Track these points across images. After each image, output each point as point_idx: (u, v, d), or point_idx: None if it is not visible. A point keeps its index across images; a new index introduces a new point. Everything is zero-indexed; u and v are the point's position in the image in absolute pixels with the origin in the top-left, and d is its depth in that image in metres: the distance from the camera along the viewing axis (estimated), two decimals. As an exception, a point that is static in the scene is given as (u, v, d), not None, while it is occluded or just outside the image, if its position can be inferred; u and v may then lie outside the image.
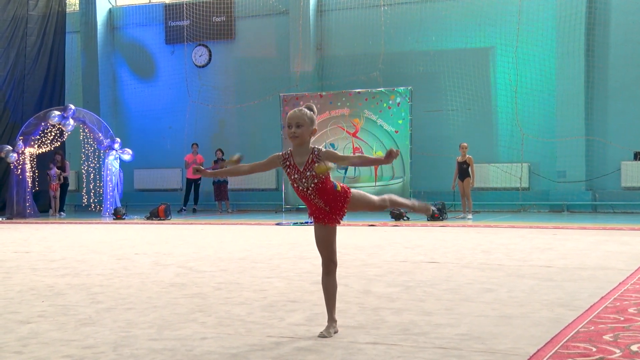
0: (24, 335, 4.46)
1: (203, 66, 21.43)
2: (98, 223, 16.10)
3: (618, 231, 11.66)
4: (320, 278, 4.49)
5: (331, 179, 4.37)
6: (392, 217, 14.88)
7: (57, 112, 18.41)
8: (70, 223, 16.22)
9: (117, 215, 17.26)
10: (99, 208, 19.36)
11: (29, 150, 18.57)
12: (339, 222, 4.40)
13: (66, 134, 19.20)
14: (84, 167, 19.97)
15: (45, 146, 18.90)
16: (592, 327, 4.33)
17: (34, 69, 20.84)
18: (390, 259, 8.11)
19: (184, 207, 19.56)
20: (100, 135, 18.98)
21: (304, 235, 11.46)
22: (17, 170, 18.31)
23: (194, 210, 19.62)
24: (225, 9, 20.95)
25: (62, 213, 19.27)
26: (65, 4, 21.97)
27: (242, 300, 5.54)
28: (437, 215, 14.65)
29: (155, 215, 16.60)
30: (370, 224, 13.81)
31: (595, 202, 17.39)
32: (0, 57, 20.12)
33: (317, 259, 7.52)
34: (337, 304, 4.45)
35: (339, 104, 18.31)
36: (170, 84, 21.73)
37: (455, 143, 16.64)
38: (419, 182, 17.89)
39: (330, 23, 19.98)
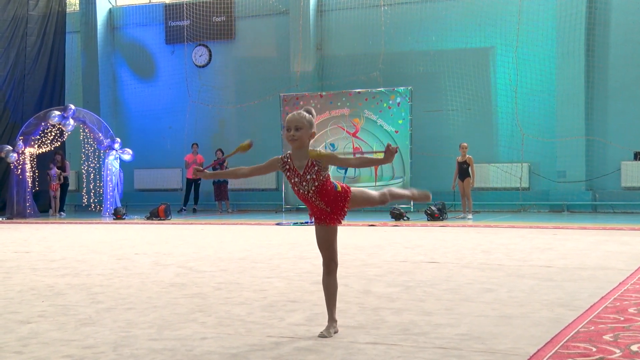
0: (24, 335, 4.46)
1: (203, 66, 21.44)
2: (98, 223, 16.10)
3: (618, 231, 11.66)
4: (320, 278, 4.49)
5: (331, 180, 4.36)
6: (392, 217, 14.88)
7: (57, 112, 18.41)
8: (71, 223, 16.22)
9: (117, 215, 17.27)
10: (99, 208, 19.36)
11: (29, 150, 18.58)
12: (340, 222, 4.40)
13: (66, 134, 19.20)
14: (84, 167, 19.97)
15: (45, 146, 18.90)
16: (592, 327, 4.33)
17: (34, 69, 20.84)
18: (390, 259, 8.11)
19: (184, 207, 19.56)
20: (100, 135, 18.98)
21: (304, 235, 11.46)
22: (17, 170, 18.31)
23: (194, 210, 19.62)
24: (226, 9, 20.95)
25: (62, 213, 19.27)
26: (66, 4, 21.97)
27: (242, 300, 5.54)
28: (437, 215, 14.66)
29: (155, 215, 16.60)
30: (370, 224, 13.81)
31: (596, 202, 17.39)
32: (0, 57, 20.12)
33: (317, 259, 7.53)
34: (337, 304, 4.45)
35: (339, 104, 18.31)
36: (170, 84, 21.73)
37: (455, 143, 16.64)
38: (419, 182, 17.85)
39: (331, 23, 19.98)
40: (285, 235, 11.82)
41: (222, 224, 15.00)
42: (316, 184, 4.27)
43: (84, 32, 22.18)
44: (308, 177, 4.27)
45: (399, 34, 19.08)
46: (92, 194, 19.70)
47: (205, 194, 20.20)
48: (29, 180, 18.58)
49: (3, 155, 18.31)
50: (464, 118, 18.45)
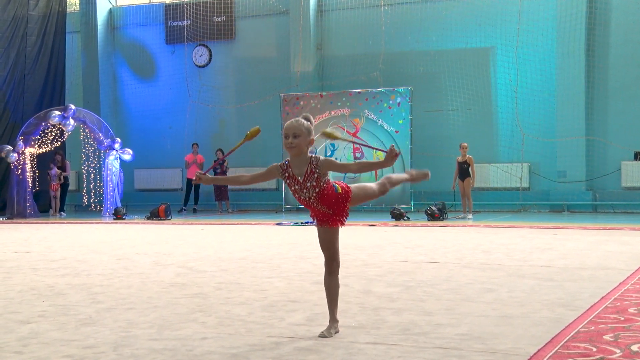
0: (25, 335, 4.46)
1: (203, 66, 21.44)
2: (98, 223, 16.10)
3: (618, 231, 11.66)
4: (321, 278, 4.50)
5: (332, 183, 4.35)
6: (392, 217, 14.88)
7: (57, 112, 18.41)
8: (71, 223, 16.22)
9: (118, 215, 17.26)
10: (99, 208, 19.36)
11: (29, 150, 18.58)
12: (343, 224, 4.40)
13: (66, 134, 19.21)
14: (85, 167, 19.97)
15: (45, 146, 18.90)
16: (593, 327, 4.33)
17: (34, 69, 20.84)
18: (391, 259, 8.11)
19: (184, 207, 19.56)
20: (100, 135, 18.98)
21: (305, 235, 11.46)
22: (18, 170, 18.32)
23: (194, 210, 19.62)
24: (226, 9, 20.95)
25: (62, 213, 19.27)
26: (66, 4, 21.97)
27: (243, 300, 5.54)
28: (438, 215, 14.66)
29: (155, 215, 16.60)
30: (370, 224, 13.81)
31: (596, 202, 17.39)
32: (1, 57, 20.12)
33: (317, 259, 7.53)
34: (338, 304, 4.45)
35: (339, 104, 18.31)
36: (170, 84, 21.73)
37: (455, 143, 16.64)
38: (419, 182, 17.85)
39: (331, 23, 19.98)
40: (285, 235, 11.82)
41: (222, 224, 15.00)
42: (317, 190, 4.26)
43: (84, 32, 22.18)
44: (308, 184, 4.25)
45: (399, 34, 19.08)
46: (92, 194, 19.70)
47: (205, 194, 20.20)
48: (29, 180, 18.58)
49: (3, 155, 18.31)
50: (464, 118, 18.45)
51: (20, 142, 18.36)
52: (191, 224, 15.20)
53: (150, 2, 22.24)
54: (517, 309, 5.00)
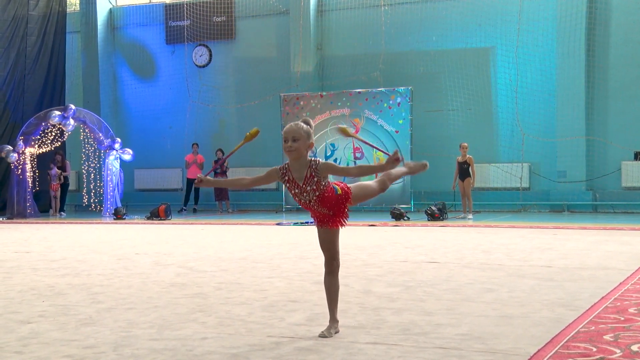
0: (25, 335, 4.46)
1: (203, 66, 21.44)
2: (98, 223, 16.10)
3: (618, 231, 11.66)
4: (321, 278, 4.50)
5: (331, 185, 4.35)
6: (392, 217, 14.88)
7: (57, 112, 18.41)
8: (71, 223, 16.22)
9: (118, 215, 17.27)
10: (100, 208, 19.36)
11: (29, 150, 18.58)
12: (344, 225, 4.40)
13: (66, 134, 19.21)
14: (85, 167, 19.97)
15: (45, 146, 18.90)
16: (593, 327, 4.33)
17: (35, 69, 20.84)
18: (391, 259, 8.11)
19: (184, 207, 19.57)
20: (100, 135, 18.98)
21: (305, 235, 11.46)
22: (18, 170, 18.32)
23: (195, 210, 19.62)
24: (226, 9, 20.96)
25: (62, 213, 19.27)
26: (66, 4, 21.97)
27: (243, 300, 5.54)
28: (438, 215, 14.66)
29: (155, 215, 16.60)
30: (370, 224, 13.81)
31: (596, 202, 17.39)
32: (1, 57, 20.13)
33: (317, 259, 7.53)
34: (338, 304, 4.45)
35: (339, 104, 18.31)
36: (170, 84, 21.74)
37: (455, 143, 16.64)
38: (419, 182, 17.88)
39: (331, 23, 19.98)
40: (285, 235, 11.82)
41: (222, 224, 15.00)
42: (317, 193, 4.25)
43: (85, 32, 22.19)
44: (308, 188, 4.25)
45: (399, 34, 19.08)
46: (92, 194, 19.70)
47: (205, 194, 20.20)
48: (30, 180, 18.58)
49: (3, 155, 18.31)
50: (464, 118, 18.45)
51: (21, 142, 18.37)
52: (191, 224, 15.20)
53: (150, 2, 22.25)
54: (517, 309, 5.00)
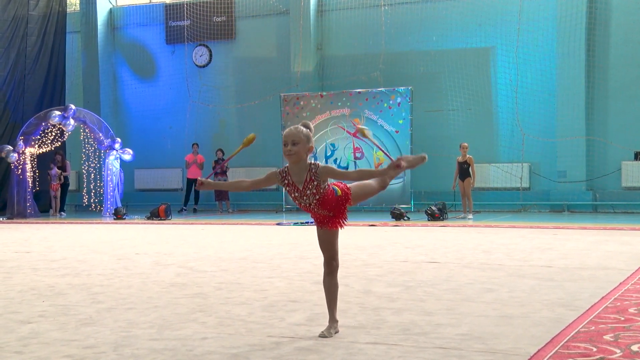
0: (25, 335, 4.46)
1: (203, 66, 21.44)
2: (98, 223, 16.10)
3: (618, 231, 11.66)
4: (321, 278, 4.50)
5: (331, 187, 4.34)
6: (392, 217, 14.88)
7: (57, 112, 18.41)
8: (71, 223, 16.22)
9: (118, 215, 17.27)
10: (100, 208, 19.36)
11: (29, 150, 18.58)
12: (342, 226, 4.40)
13: (67, 134, 19.21)
14: (85, 167, 19.97)
15: (45, 146, 18.90)
16: (593, 327, 4.33)
17: (35, 69, 20.84)
18: (391, 259, 8.11)
19: (184, 207, 19.57)
20: (100, 135, 18.98)
21: (305, 235, 11.46)
22: (18, 170, 18.32)
23: (195, 210, 19.62)
24: (226, 9, 20.96)
25: (62, 213, 19.27)
26: (66, 4, 21.97)
27: (243, 300, 5.54)
28: (438, 215, 14.66)
29: (155, 215, 16.61)
30: (370, 224, 13.81)
31: (596, 202, 17.39)
32: (1, 57, 20.13)
33: (317, 259, 7.53)
34: (338, 304, 4.45)
35: (339, 104, 18.31)
36: (170, 84, 21.74)
37: (455, 143, 16.64)
38: (419, 182, 17.89)
39: (331, 23, 19.98)
40: (285, 235, 11.82)
41: (222, 224, 15.00)
42: (317, 197, 4.25)
43: (85, 32, 22.19)
44: (308, 192, 4.24)
45: (399, 34, 19.08)
46: (92, 194, 19.70)
47: (205, 194, 20.20)
48: (30, 180, 18.58)
49: (3, 155, 18.31)
50: (464, 118, 18.45)
51: (21, 142, 18.37)
52: (191, 224, 15.20)
53: (150, 2, 22.25)
54: (518, 309, 5.00)
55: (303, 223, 13.88)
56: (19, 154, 18.26)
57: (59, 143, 19.31)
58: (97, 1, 22.03)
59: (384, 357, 3.80)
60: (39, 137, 18.69)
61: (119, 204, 18.64)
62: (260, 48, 20.79)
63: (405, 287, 6.04)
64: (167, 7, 21.79)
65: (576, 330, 4.27)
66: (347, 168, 18.04)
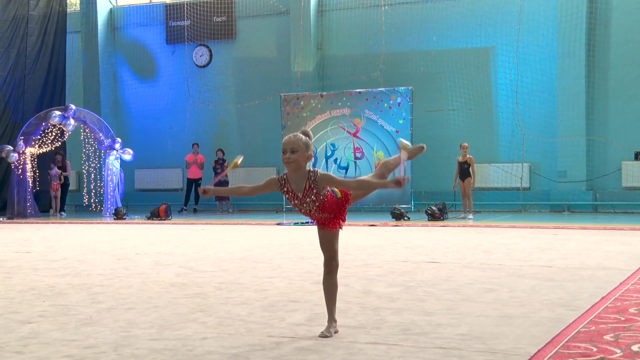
0: (25, 335, 4.46)
1: (204, 66, 21.44)
2: (99, 223, 16.10)
3: (619, 231, 11.66)
4: (321, 278, 4.50)
5: (330, 189, 4.33)
6: (392, 217, 14.88)
7: (57, 112, 18.41)
8: (71, 223, 16.22)
9: (118, 215, 17.27)
10: (100, 208, 19.36)
11: (29, 150, 18.58)
12: (342, 227, 4.40)
13: (67, 134, 19.21)
14: (85, 167, 19.97)
15: (46, 146, 18.90)
16: (593, 327, 4.33)
17: (35, 69, 20.84)
18: (391, 259, 8.11)
19: (184, 207, 19.57)
20: (101, 135, 18.98)
21: (305, 235, 11.46)
22: (18, 170, 18.32)
23: (195, 210, 19.63)
24: (226, 9, 20.96)
25: (62, 213, 19.27)
26: (66, 4, 21.97)
27: (243, 300, 5.54)
28: (438, 215, 14.66)
29: (156, 215, 16.61)
30: (371, 224, 13.81)
31: (596, 202, 17.39)
32: (1, 57, 20.12)
33: (317, 259, 7.53)
34: (338, 304, 4.45)
35: (339, 103, 18.30)
36: (171, 84, 21.74)
37: (456, 143, 16.64)
38: (419, 182, 17.89)
39: (331, 23, 19.98)
40: (286, 235, 11.82)
41: (222, 224, 15.00)
42: (317, 204, 4.25)
43: (85, 32, 22.19)
44: (308, 199, 4.23)
45: (399, 33, 19.08)
46: (92, 194, 19.70)
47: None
48: (30, 180, 18.58)
49: (4, 155, 18.31)
50: (464, 118, 18.45)
51: (21, 142, 18.37)
52: (191, 224, 15.20)
53: (150, 2, 22.25)
54: (518, 309, 5.00)
55: (303, 223, 13.87)
56: (19, 154, 18.26)
57: (59, 143, 19.31)
58: (98, 1, 22.03)
59: (384, 357, 3.80)
60: (39, 137, 18.69)
61: (119, 204, 18.64)
62: (261, 48, 20.80)
63: (405, 287, 6.04)
64: (167, 7, 21.79)
65: (576, 330, 4.27)
66: (347, 168, 18.04)
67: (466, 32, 18.41)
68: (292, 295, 5.73)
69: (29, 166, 18.55)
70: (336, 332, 4.33)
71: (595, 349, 3.79)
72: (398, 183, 3.98)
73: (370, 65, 19.12)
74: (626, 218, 14.98)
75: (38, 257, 8.95)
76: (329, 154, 18.23)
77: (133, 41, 22.33)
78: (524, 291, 5.74)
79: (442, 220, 14.59)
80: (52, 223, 16.38)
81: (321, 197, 4.23)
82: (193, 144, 19.90)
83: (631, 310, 4.86)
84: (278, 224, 14.27)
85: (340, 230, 4.40)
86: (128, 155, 19.28)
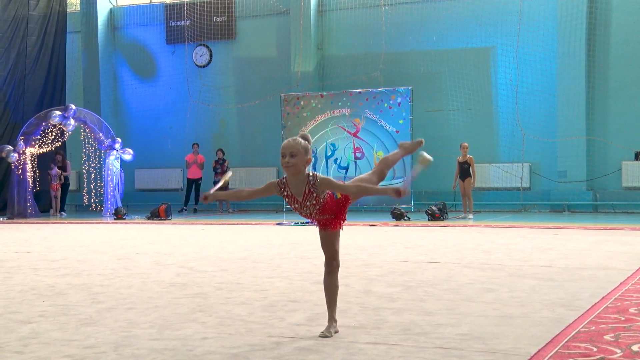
0: (25, 335, 4.46)
1: (204, 66, 21.44)
2: (99, 223, 16.10)
3: (619, 231, 11.66)
4: (321, 278, 4.50)
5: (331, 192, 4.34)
6: (393, 217, 14.88)
7: (58, 112, 18.41)
8: (71, 223, 16.22)
9: (118, 215, 17.27)
10: (100, 208, 19.36)
11: (29, 150, 18.58)
12: (342, 227, 4.40)
13: (67, 134, 19.21)
14: (85, 167, 19.97)
15: (46, 146, 18.90)
16: (593, 327, 4.33)
17: (35, 69, 20.84)
18: (391, 259, 8.11)
19: (184, 207, 19.57)
20: (101, 135, 18.98)
21: (305, 235, 11.46)
22: (18, 170, 18.32)
23: (195, 210, 19.63)
24: (226, 9, 20.96)
25: (62, 213, 19.27)
26: (66, 4, 21.97)
27: (243, 300, 5.54)
28: (438, 215, 14.66)
29: (156, 215, 16.61)
30: (371, 224, 13.81)
31: (596, 202, 17.39)
32: (1, 57, 20.12)
33: (317, 259, 7.53)
34: (338, 304, 4.45)
35: (339, 103, 18.30)
36: (171, 84, 21.74)
37: (456, 143, 16.64)
38: (419, 182, 17.87)
39: (331, 23, 19.98)
40: (286, 235, 11.82)
41: (222, 224, 15.00)
42: (317, 207, 4.25)
43: (85, 32, 22.19)
44: (308, 203, 4.23)
45: (399, 33, 19.07)
46: (92, 193, 19.70)
47: (205, 194, 20.16)
48: (30, 180, 18.58)
49: (4, 155, 18.31)
50: (464, 118, 18.45)
51: (21, 142, 18.37)
52: (192, 224, 15.20)
53: (150, 2, 22.25)
54: (518, 309, 5.00)
55: (303, 223, 13.87)
56: (19, 154, 18.26)
57: (60, 143, 19.31)
58: (98, 1, 22.03)
59: (384, 357, 3.80)
60: (39, 137, 18.69)
61: (119, 204, 18.64)
62: (261, 48, 20.80)
63: (405, 287, 6.04)
64: (167, 7, 21.79)
65: (576, 330, 4.27)
66: (347, 168, 18.04)
67: (466, 32, 18.41)
68: (292, 295, 5.73)
69: (29, 166, 18.55)
70: (336, 332, 4.33)
71: (595, 349, 3.79)
72: (398, 193, 3.97)
73: (371, 65, 19.12)
74: (626, 218, 14.97)
75: (38, 257, 8.95)
76: (329, 154, 18.23)
77: (133, 41, 22.34)
78: (524, 291, 5.74)
79: (442, 220, 14.59)
80: (52, 223, 16.38)
81: (321, 201, 4.23)
82: (193, 144, 19.91)
83: (631, 310, 4.86)
84: (278, 224, 14.27)
85: (341, 230, 4.41)
86: (128, 155, 19.28)
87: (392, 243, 10.06)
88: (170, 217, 16.71)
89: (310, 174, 4.22)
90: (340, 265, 4.47)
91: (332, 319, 4.36)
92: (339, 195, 4.34)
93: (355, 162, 18.02)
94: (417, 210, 17.48)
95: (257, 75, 20.63)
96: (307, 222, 13.63)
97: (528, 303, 5.22)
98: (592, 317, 4.64)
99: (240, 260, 8.26)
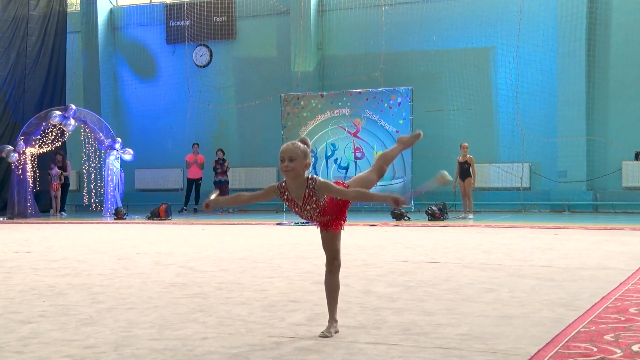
0: (25, 335, 4.46)
1: (204, 66, 21.44)
2: (99, 223, 16.10)
3: (619, 231, 11.66)
4: (321, 278, 4.50)
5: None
6: (393, 217, 14.88)
7: (58, 112, 18.41)
8: (71, 223, 16.22)
9: (118, 215, 17.27)
10: (100, 208, 19.36)
11: (30, 150, 18.58)
12: (343, 227, 4.40)
13: (67, 134, 19.21)
14: (85, 167, 19.97)
15: (46, 146, 18.90)
16: (593, 327, 4.33)
17: (35, 69, 20.84)
18: (391, 259, 8.11)
19: (184, 207, 19.57)
20: (101, 135, 18.99)
21: (305, 235, 11.46)
22: (18, 170, 18.32)
23: (195, 210, 19.62)
24: (226, 9, 20.96)
25: (63, 213, 19.27)
26: (66, 4, 21.97)
27: (243, 300, 5.54)
28: (438, 215, 14.66)
29: (156, 215, 16.61)
30: (371, 224, 13.81)
31: (596, 202, 17.38)
32: (1, 57, 20.12)
33: (317, 259, 7.53)
34: (338, 304, 4.45)
35: (339, 103, 18.30)
36: (171, 84, 21.74)
37: (456, 143, 16.64)
38: (419, 182, 17.83)
39: (331, 23, 19.98)
40: (286, 235, 11.82)
41: (223, 223, 15.00)
42: (318, 210, 4.25)
43: (85, 32, 22.19)
44: (308, 207, 4.23)
45: (399, 33, 19.07)
46: (93, 193, 19.70)
47: (206, 194, 20.14)
48: (30, 180, 18.58)
49: (4, 155, 18.31)
50: (464, 118, 18.44)
51: (21, 142, 18.37)
52: (192, 224, 15.20)
53: (150, 2, 22.25)
54: (518, 309, 5.00)
55: (303, 223, 13.87)
56: (19, 154, 18.26)
57: (60, 143, 19.31)
58: (98, 1, 22.04)
59: (384, 357, 3.80)
60: (39, 137, 18.69)
61: (120, 204, 18.64)
62: (261, 48, 20.79)
63: (405, 287, 6.04)
64: (167, 7, 21.79)
65: (577, 330, 4.27)
66: (347, 168, 18.04)
67: (466, 32, 18.41)
68: (292, 295, 5.73)
69: (29, 166, 18.55)
70: (336, 332, 4.33)
71: (595, 349, 3.79)
72: (397, 202, 3.97)
73: (371, 65, 19.12)
74: (626, 218, 14.97)
75: (38, 257, 8.95)
76: (329, 154, 18.23)
77: (133, 41, 22.34)
78: (524, 291, 5.74)
79: (442, 220, 14.59)
80: (52, 223, 16.38)
81: (321, 204, 4.23)
82: (193, 144, 19.90)
83: (631, 310, 4.86)
84: (278, 224, 14.27)
85: (342, 230, 4.41)
86: (128, 155, 19.29)
87: (392, 243, 10.06)
88: (170, 217, 16.71)
89: (310, 177, 4.21)
90: (341, 266, 4.47)
91: (332, 319, 4.36)
92: (338, 196, 4.34)
93: (355, 162, 18.02)
94: (417, 210, 17.48)
95: (257, 75, 20.64)
96: (307, 222, 13.63)
97: (528, 303, 5.22)
98: (592, 317, 4.64)
99: (240, 260, 8.26)
